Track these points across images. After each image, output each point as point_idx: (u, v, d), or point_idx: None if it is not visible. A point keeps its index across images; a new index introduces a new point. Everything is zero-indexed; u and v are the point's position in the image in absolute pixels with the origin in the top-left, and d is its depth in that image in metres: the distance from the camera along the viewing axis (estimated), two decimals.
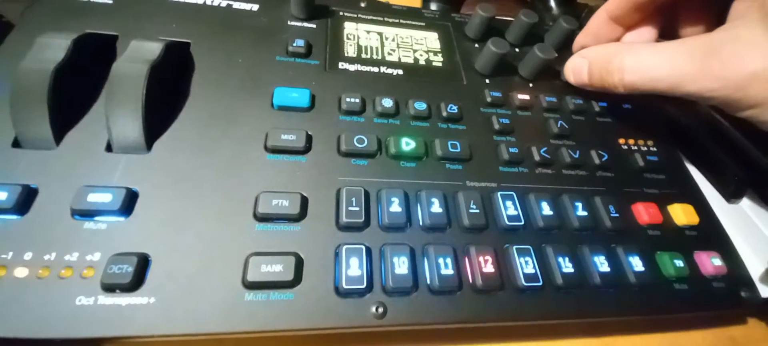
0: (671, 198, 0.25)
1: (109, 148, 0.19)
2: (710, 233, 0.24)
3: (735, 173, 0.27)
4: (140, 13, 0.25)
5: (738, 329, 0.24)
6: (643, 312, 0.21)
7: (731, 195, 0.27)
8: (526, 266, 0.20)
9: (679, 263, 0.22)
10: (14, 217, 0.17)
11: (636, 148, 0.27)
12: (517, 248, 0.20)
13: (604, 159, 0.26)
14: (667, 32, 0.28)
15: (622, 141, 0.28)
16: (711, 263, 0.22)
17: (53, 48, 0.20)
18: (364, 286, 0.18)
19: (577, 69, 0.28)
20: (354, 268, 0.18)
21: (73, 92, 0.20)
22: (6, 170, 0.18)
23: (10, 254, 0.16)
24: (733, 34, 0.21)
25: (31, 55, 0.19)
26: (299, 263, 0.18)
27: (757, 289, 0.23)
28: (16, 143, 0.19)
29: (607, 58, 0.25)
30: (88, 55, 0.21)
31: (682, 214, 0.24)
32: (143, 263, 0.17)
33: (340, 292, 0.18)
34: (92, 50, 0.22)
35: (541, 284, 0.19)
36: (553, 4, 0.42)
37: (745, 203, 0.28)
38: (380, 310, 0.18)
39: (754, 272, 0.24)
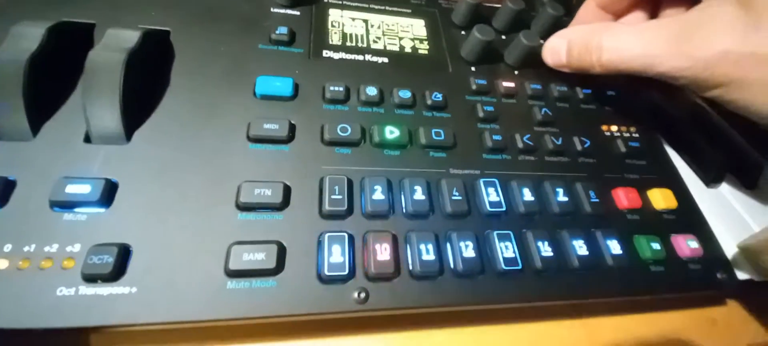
0: (651, 183, 0.26)
1: (87, 139, 0.19)
2: (688, 217, 0.25)
3: (715, 158, 0.28)
4: (118, 1, 0.24)
5: (718, 310, 0.25)
6: (619, 294, 0.21)
7: (711, 180, 0.28)
8: (506, 250, 0.20)
9: (656, 245, 0.22)
10: None
11: (618, 134, 0.28)
12: (497, 233, 0.20)
13: (586, 146, 0.26)
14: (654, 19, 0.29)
15: (604, 128, 0.28)
16: (687, 245, 0.23)
17: (28, 37, 0.20)
18: (346, 272, 0.18)
19: (555, 49, 0.28)
20: (336, 255, 0.18)
21: (50, 82, 0.20)
22: None
23: None
24: (706, 13, 0.21)
25: (5, 45, 0.19)
26: (281, 251, 0.18)
27: (734, 271, 0.23)
28: None
29: (587, 37, 0.25)
30: (65, 43, 0.21)
31: (661, 198, 0.25)
32: (124, 254, 0.17)
33: (322, 278, 0.18)
34: (69, 39, 0.21)
35: (520, 267, 0.20)
36: None
37: (725, 187, 0.28)
38: (362, 295, 0.18)
39: (732, 254, 0.24)
